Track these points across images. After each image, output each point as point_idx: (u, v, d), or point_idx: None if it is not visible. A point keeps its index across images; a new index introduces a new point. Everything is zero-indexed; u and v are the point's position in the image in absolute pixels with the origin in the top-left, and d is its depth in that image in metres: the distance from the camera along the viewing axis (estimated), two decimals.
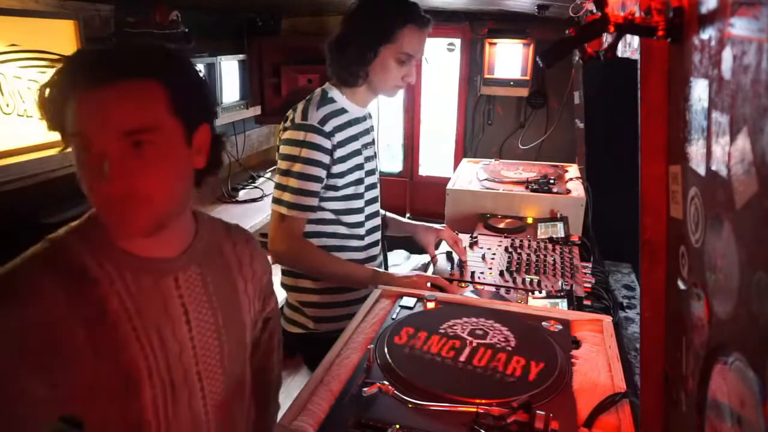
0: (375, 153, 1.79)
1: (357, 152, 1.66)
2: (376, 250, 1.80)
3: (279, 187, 1.59)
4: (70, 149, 0.81)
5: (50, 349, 0.77)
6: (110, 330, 0.81)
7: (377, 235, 1.80)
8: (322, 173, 1.57)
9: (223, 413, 0.96)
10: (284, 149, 1.58)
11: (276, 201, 1.59)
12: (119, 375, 0.82)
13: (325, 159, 1.57)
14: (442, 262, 1.82)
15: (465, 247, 1.88)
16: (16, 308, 0.76)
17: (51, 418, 0.79)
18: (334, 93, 1.63)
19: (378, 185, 1.80)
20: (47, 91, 0.79)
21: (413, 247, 2.79)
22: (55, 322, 0.78)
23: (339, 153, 1.60)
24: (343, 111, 1.63)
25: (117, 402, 0.82)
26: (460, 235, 1.96)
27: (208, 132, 0.89)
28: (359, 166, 1.67)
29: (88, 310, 0.80)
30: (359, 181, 1.67)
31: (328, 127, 1.57)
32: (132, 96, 0.77)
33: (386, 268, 1.99)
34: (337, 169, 1.60)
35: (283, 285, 1.80)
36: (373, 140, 1.79)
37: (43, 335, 0.77)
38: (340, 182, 1.62)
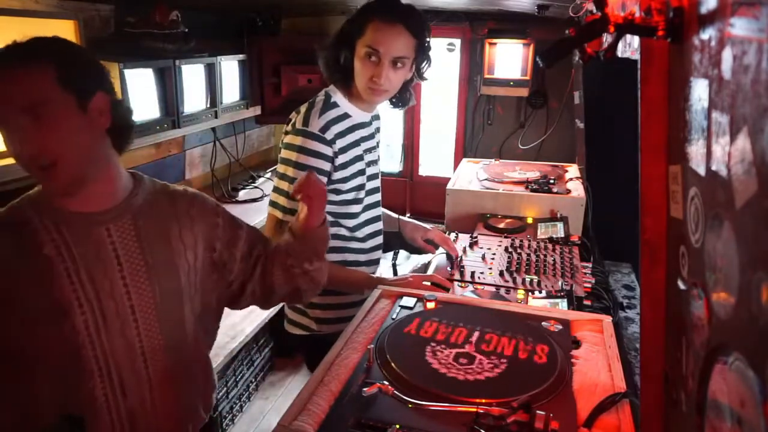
0: (378, 157, 1.78)
1: (359, 158, 1.65)
2: (378, 253, 1.80)
3: (276, 190, 1.59)
4: None
5: None
6: (44, 267, 1.03)
7: (379, 239, 1.80)
8: (322, 180, 1.57)
9: (158, 342, 1.13)
10: (284, 153, 1.58)
11: (272, 204, 1.60)
12: (52, 302, 1.03)
13: (326, 166, 1.56)
14: (442, 261, 1.82)
15: (465, 247, 1.88)
16: None
17: None
18: (338, 97, 1.63)
19: (380, 189, 1.80)
20: None
21: (413, 246, 2.78)
22: (3, 261, 1.02)
23: (341, 160, 1.59)
24: (345, 116, 1.62)
25: (53, 326, 1.03)
26: (461, 235, 1.96)
27: (105, 98, 1.07)
28: (361, 172, 1.67)
29: (27, 253, 1.03)
30: (360, 187, 1.67)
31: (329, 135, 1.56)
32: (22, 78, 0.96)
33: (395, 268, 1.99)
34: (339, 175, 1.60)
35: None
36: (377, 144, 1.79)
37: None
38: (343, 187, 1.62)
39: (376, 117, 1.77)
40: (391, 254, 2.00)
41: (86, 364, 1.06)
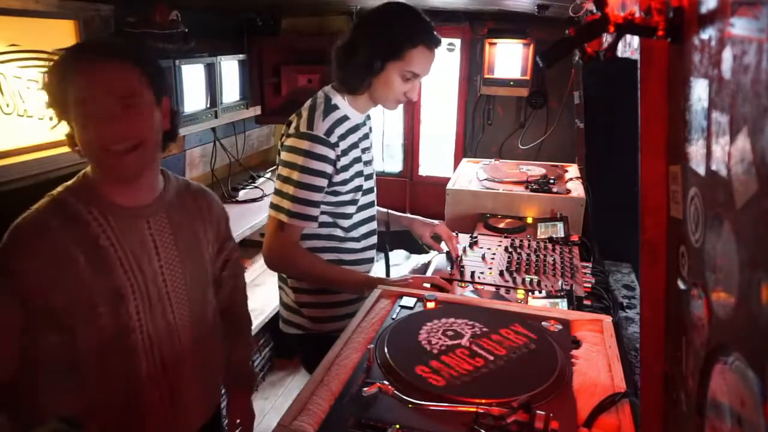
0: (372, 157, 1.79)
1: (357, 159, 1.66)
2: (372, 252, 1.80)
3: (279, 194, 1.58)
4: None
5: (57, 271, 1.09)
6: (101, 257, 1.13)
7: (373, 239, 1.80)
8: (324, 183, 1.57)
9: (190, 325, 1.27)
10: (287, 156, 1.57)
11: (275, 207, 1.58)
12: (110, 289, 1.13)
13: (329, 169, 1.56)
14: (442, 261, 1.82)
15: (465, 247, 1.88)
16: (33, 239, 1.09)
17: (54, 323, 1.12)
18: (337, 99, 1.62)
19: (374, 189, 1.80)
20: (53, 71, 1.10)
21: (413, 246, 2.79)
22: (62, 251, 1.09)
23: (342, 162, 1.59)
24: (345, 118, 1.62)
25: (109, 310, 1.13)
26: (460, 236, 1.96)
27: (169, 102, 1.23)
28: (359, 173, 1.67)
29: (84, 243, 1.12)
30: (358, 188, 1.67)
31: (333, 138, 1.56)
32: (117, 71, 1.09)
33: (388, 268, 2.00)
34: (339, 177, 1.60)
35: (280, 287, 1.80)
36: (371, 144, 1.79)
37: (54, 260, 1.09)
38: (343, 189, 1.62)
39: (368, 117, 1.77)
40: (393, 253, 2.00)
41: (135, 345, 1.18)
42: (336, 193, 1.62)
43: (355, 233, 1.71)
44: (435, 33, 1.57)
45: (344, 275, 1.64)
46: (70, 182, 1.19)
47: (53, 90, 1.10)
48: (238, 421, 1.54)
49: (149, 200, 1.22)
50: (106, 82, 1.08)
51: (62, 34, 1.86)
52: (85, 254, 1.11)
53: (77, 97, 1.07)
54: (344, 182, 1.61)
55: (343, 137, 1.59)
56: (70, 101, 1.08)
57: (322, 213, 1.62)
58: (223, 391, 1.54)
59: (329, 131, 1.55)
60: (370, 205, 1.77)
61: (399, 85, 1.57)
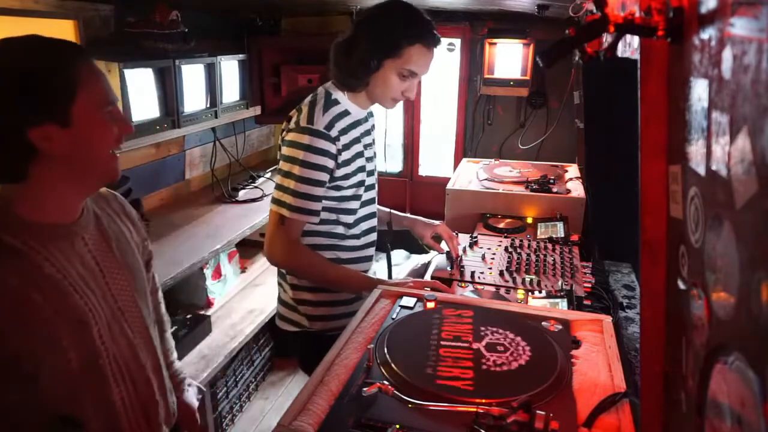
0: (375, 153, 1.79)
1: (359, 154, 1.65)
2: (371, 250, 1.80)
3: (280, 188, 1.58)
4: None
5: (18, 313, 0.97)
6: (53, 287, 1.02)
7: (373, 236, 1.80)
8: (326, 177, 1.57)
9: (145, 334, 1.22)
10: (287, 151, 1.57)
11: (276, 202, 1.58)
12: (73, 319, 1.04)
13: (330, 164, 1.56)
14: (442, 261, 1.82)
15: (465, 247, 1.88)
16: None
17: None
18: (338, 94, 1.62)
19: (376, 186, 1.80)
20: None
21: (413, 246, 2.78)
22: (10, 291, 0.97)
23: (344, 156, 1.59)
24: (346, 113, 1.62)
25: (74, 339, 1.04)
26: (460, 236, 1.96)
27: None
28: (362, 169, 1.67)
29: (32, 277, 1.00)
30: (360, 183, 1.67)
31: (334, 132, 1.56)
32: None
33: (390, 268, 2.00)
34: (341, 172, 1.60)
35: (279, 283, 1.80)
36: (374, 140, 1.79)
37: (9, 304, 0.97)
38: (345, 184, 1.62)
39: (371, 113, 1.77)
40: (383, 254, 2.00)
41: (105, 371, 1.10)
42: (338, 188, 1.62)
43: (356, 230, 1.71)
44: (435, 32, 1.56)
45: (344, 276, 1.64)
46: None
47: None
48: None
49: (76, 215, 1.11)
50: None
51: (62, 34, 1.86)
52: (38, 289, 0.99)
53: (98, 100, 1.03)
54: (346, 177, 1.61)
55: (344, 132, 1.59)
56: (84, 103, 1.01)
57: (325, 209, 1.62)
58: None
59: (330, 125, 1.55)
60: (372, 201, 1.77)
61: (396, 84, 1.57)
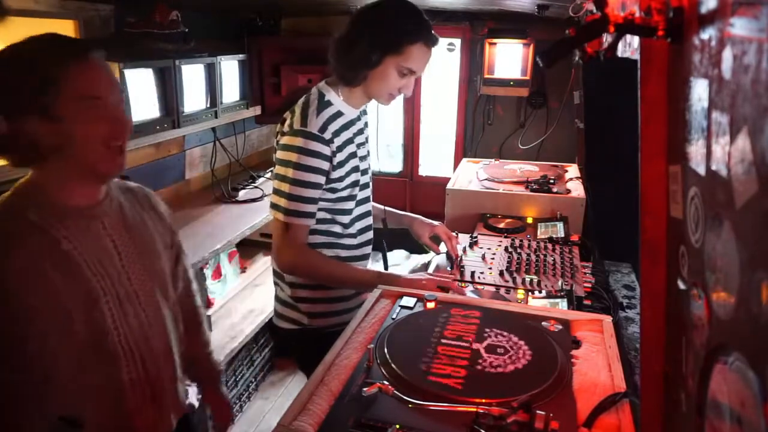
0: (368, 152, 1.79)
1: (353, 155, 1.66)
2: (368, 248, 1.81)
3: (276, 192, 1.59)
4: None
5: (31, 282, 1.05)
6: (68, 263, 1.09)
7: (369, 234, 1.80)
8: (321, 180, 1.57)
9: (161, 323, 1.26)
10: (282, 155, 1.57)
11: (273, 206, 1.59)
12: (82, 293, 1.10)
13: (325, 166, 1.57)
14: (442, 261, 1.82)
15: (465, 247, 1.88)
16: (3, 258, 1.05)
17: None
18: (331, 95, 1.63)
19: (370, 184, 1.80)
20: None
21: (413, 246, 2.78)
22: (30, 260, 1.05)
23: (338, 158, 1.59)
24: (339, 114, 1.62)
25: (83, 315, 1.10)
26: (460, 236, 1.96)
27: None
28: (355, 168, 1.67)
29: (49, 250, 1.07)
30: (355, 183, 1.67)
31: (327, 134, 1.56)
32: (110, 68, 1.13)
33: (385, 265, 2.00)
34: (336, 174, 1.60)
35: (276, 282, 1.79)
36: (367, 139, 1.79)
37: (24, 273, 1.04)
38: (340, 185, 1.62)
39: (364, 112, 1.77)
40: (393, 253, 2.00)
41: (114, 349, 1.14)
42: (333, 190, 1.62)
43: (353, 229, 1.72)
44: (434, 32, 1.59)
45: (356, 273, 1.65)
46: (13, 192, 1.13)
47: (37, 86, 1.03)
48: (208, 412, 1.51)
49: (98, 199, 1.18)
50: (108, 77, 1.10)
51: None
52: (51, 261, 1.07)
53: (82, 93, 1.05)
54: (341, 178, 1.62)
55: (337, 133, 1.60)
56: (67, 97, 1.04)
57: (321, 210, 1.62)
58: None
59: (323, 127, 1.56)
60: (367, 200, 1.77)
61: (395, 80, 1.58)
